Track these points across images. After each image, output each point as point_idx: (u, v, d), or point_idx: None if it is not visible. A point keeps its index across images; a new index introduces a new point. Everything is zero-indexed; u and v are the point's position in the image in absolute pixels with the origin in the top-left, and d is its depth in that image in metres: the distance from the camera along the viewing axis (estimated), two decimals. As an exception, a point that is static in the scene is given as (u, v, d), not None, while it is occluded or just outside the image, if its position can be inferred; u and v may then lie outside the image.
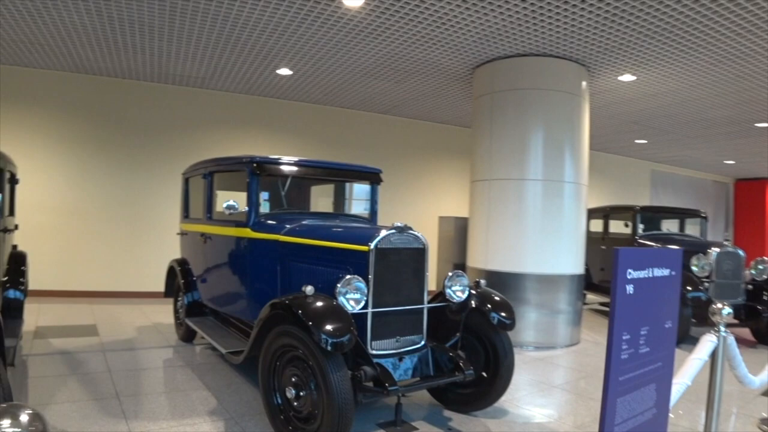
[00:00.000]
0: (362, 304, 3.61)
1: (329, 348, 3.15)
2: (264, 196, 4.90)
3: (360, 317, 3.66)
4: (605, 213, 9.40)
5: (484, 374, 4.16)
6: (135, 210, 8.90)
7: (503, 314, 4.05)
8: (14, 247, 5.91)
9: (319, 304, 3.39)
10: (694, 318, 6.90)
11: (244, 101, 9.57)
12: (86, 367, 5.13)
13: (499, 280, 6.75)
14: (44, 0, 5.81)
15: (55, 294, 8.47)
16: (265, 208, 4.91)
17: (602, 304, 9.60)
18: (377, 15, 5.76)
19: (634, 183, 14.08)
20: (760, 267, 7.26)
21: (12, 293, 5.54)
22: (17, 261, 5.78)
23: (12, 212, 5.89)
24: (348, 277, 3.58)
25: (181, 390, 4.60)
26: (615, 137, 11.76)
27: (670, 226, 9.57)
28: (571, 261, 6.90)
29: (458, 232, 7.71)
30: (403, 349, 3.83)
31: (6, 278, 5.53)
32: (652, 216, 8.82)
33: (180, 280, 6.12)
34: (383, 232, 3.76)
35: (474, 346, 4.22)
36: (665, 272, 2.20)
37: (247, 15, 5.88)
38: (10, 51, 7.55)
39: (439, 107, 9.84)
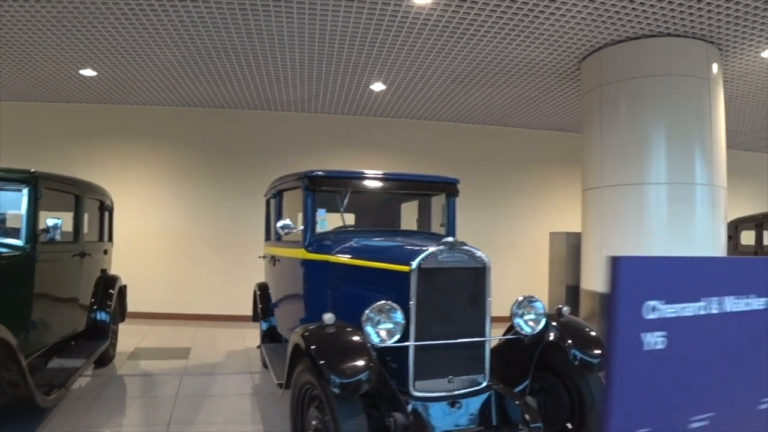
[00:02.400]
0: (397, 335, 3.00)
1: (337, 390, 2.59)
2: (321, 213, 4.46)
3: (400, 351, 3.05)
4: (758, 222, 7.84)
5: (569, 425, 3.34)
6: (237, 234, 8.92)
7: (588, 351, 3.21)
8: (103, 270, 6.02)
9: (335, 336, 2.85)
10: None
11: (343, 122, 9.34)
12: (157, 391, 5.05)
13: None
14: (139, 41, 6.09)
15: (166, 317, 8.70)
16: (322, 226, 4.46)
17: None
18: (453, 11, 5.17)
19: (804, 186, 11.84)
20: None
21: (99, 315, 5.64)
22: (106, 284, 5.89)
23: (103, 237, 6.04)
24: (379, 303, 2.99)
25: (234, 421, 4.30)
26: (769, 132, 9.92)
27: None
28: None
29: (571, 249, 6.74)
30: (458, 392, 3.15)
31: (93, 300, 5.64)
32: (821, 224, 7.18)
33: (259, 304, 5.88)
34: (430, 250, 3.13)
35: (557, 390, 3.41)
36: (757, 304, 1.37)
37: (321, 28, 5.59)
38: (118, 91, 7.98)
39: (547, 113, 8.86)
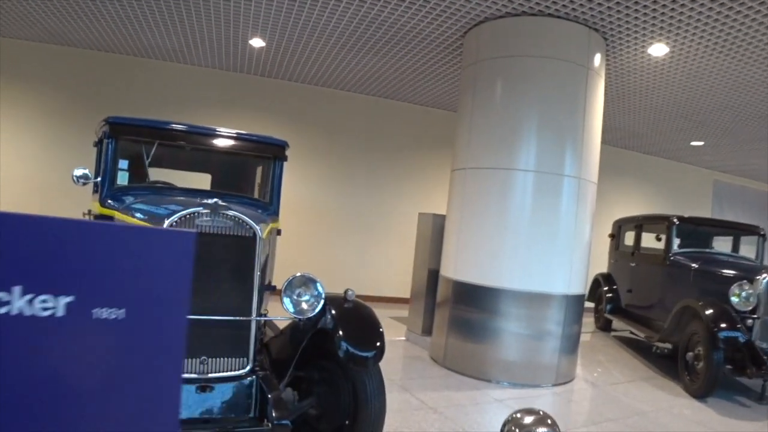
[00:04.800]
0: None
1: None
2: (121, 164, 3.93)
3: None
4: (638, 223, 7.77)
5: (347, 422, 2.96)
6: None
7: (359, 344, 2.82)
8: None
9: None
10: (729, 364, 5.29)
11: (220, 77, 8.68)
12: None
13: (473, 295, 5.44)
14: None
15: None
16: (123, 179, 3.94)
17: (634, 333, 7.94)
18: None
19: (694, 194, 11.99)
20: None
21: None
22: None
23: None
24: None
25: None
26: (665, 137, 9.89)
27: (723, 244, 7.76)
28: (566, 277, 5.47)
29: (436, 231, 6.41)
30: (213, 375, 2.71)
31: None
32: (693, 230, 7.10)
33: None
34: (183, 211, 2.67)
35: (337, 383, 3.02)
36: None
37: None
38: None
39: (433, 89, 8.50)
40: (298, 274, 2.92)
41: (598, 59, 5.62)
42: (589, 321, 8.36)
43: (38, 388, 0.93)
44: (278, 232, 4.16)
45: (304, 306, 2.90)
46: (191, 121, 4.41)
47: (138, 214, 3.10)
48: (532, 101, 5.38)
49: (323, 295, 2.93)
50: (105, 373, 1.00)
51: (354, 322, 2.93)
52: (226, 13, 6.12)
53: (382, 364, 2.92)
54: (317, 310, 2.90)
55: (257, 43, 7.03)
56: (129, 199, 3.49)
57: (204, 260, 2.71)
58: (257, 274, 2.82)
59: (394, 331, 7.11)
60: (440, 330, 5.84)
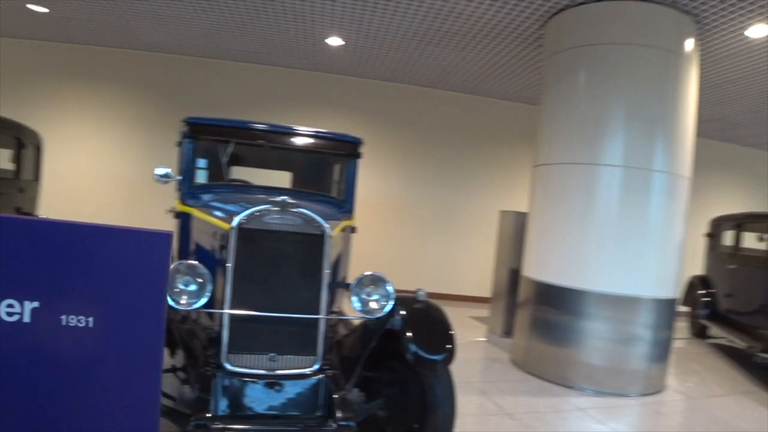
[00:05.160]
0: (203, 300, 2.60)
1: None
2: (200, 163, 4.05)
3: (220, 320, 2.71)
4: (739, 222, 7.18)
5: (416, 426, 2.88)
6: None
7: (428, 346, 2.73)
8: (17, 209, 5.72)
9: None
10: None
11: (300, 77, 8.81)
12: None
13: (556, 297, 5.20)
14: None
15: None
16: (200, 177, 4.06)
17: (732, 341, 7.34)
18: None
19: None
20: None
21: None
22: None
23: (19, 175, 5.81)
24: (178, 262, 2.57)
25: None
26: (767, 127, 9.08)
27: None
28: (657, 279, 5.13)
29: (518, 230, 6.18)
30: (280, 372, 2.71)
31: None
32: (802, 229, 6.47)
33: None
34: (255, 208, 2.69)
35: (408, 385, 2.94)
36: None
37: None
38: (71, 30, 7.53)
39: (513, 82, 8.19)
40: (368, 273, 2.87)
41: (690, 44, 5.22)
42: (683, 326, 7.86)
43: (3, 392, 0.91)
44: (353, 230, 4.15)
45: (373, 305, 2.85)
46: (269, 120, 4.55)
47: (216, 212, 3.16)
48: (618, 92, 5.07)
49: (393, 295, 2.87)
50: (75, 381, 0.96)
51: (423, 323, 2.84)
52: (303, 14, 6.20)
53: (459, 366, 2.83)
54: (387, 310, 2.84)
55: (335, 41, 7.07)
56: (207, 197, 3.59)
57: (273, 257, 2.72)
58: (326, 272, 2.78)
59: (474, 332, 6.95)
60: (521, 332, 5.64)
